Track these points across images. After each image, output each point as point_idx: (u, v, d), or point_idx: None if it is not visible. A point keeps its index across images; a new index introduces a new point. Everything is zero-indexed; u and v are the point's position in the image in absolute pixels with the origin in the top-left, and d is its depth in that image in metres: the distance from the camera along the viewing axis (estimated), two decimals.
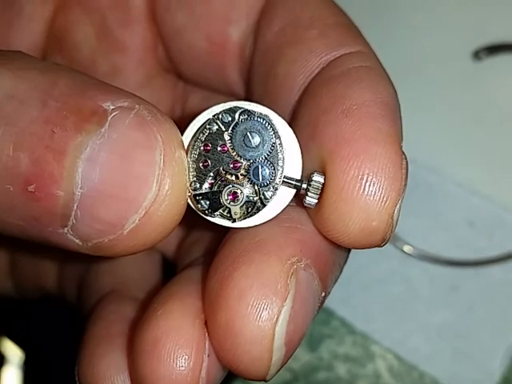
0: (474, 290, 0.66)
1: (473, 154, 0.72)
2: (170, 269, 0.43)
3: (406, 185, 0.28)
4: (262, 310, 0.28)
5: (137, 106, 0.27)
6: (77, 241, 0.27)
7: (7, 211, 0.27)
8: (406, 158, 0.29)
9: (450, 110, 0.75)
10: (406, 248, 0.68)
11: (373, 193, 0.28)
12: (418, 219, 0.69)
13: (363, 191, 0.28)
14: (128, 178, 0.26)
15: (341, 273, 0.33)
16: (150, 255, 0.44)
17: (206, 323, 0.30)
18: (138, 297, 0.39)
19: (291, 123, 0.31)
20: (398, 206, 0.28)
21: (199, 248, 0.40)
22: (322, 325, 0.66)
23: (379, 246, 0.30)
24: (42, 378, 0.72)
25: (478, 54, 0.76)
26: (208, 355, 0.29)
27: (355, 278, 0.67)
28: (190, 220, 0.42)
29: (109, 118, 0.26)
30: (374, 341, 0.65)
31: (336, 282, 0.33)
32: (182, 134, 0.29)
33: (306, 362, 0.65)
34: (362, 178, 0.28)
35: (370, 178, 0.28)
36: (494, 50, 0.76)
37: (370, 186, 0.28)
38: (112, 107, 0.26)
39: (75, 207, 0.26)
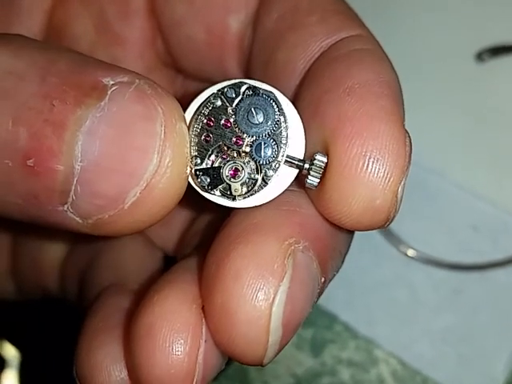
0: (478, 294, 0.66)
1: (476, 157, 0.72)
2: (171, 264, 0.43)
3: (409, 162, 0.28)
4: (258, 289, 0.27)
5: (137, 80, 0.27)
6: (77, 219, 0.27)
7: (6, 188, 0.26)
8: (409, 136, 0.29)
9: (453, 112, 0.75)
10: (410, 252, 0.67)
11: (376, 170, 0.27)
12: (422, 223, 0.69)
13: (366, 168, 0.27)
14: (128, 150, 0.26)
15: (343, 262, 0.33)
16: (151, 251, 0.44)
17: (202, 308, 0.29)
18: (138, 290, 0.39)
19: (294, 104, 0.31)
20: (402, 184, 0.28)
21: (198, 240, 0.40)
22: (325, 329, 0.65)
23: (383, 226, 0.29)
24: (41, 380, 0.71)
25: (481, 56, 0.76)
26: (205, 341, 0.29)
27: (358, 282, 0.66)
28: (191, 213, 0.42)
29: (108, 92, 0.26)
30: (377, 345, 0.64)
31: (337, 270, 0.32)
32: (185, 111, 0.29)
33: (309, 367, 0.64)
34: (365, 155, 0.27)
35: (374, 155, 0.27)
36: (497, 51, 0.76)
37: (373, 163, 0.27)
38: (112, 82, 0.26)
39: (75, 182, 0.26)
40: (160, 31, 0.41)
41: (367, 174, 0.27)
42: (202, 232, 0.40)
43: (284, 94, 0.29)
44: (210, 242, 0.31)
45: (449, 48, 0.78)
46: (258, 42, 0.36)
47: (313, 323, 0.65)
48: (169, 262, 0.44)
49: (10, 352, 0.74)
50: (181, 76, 0.44)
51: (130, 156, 0.26)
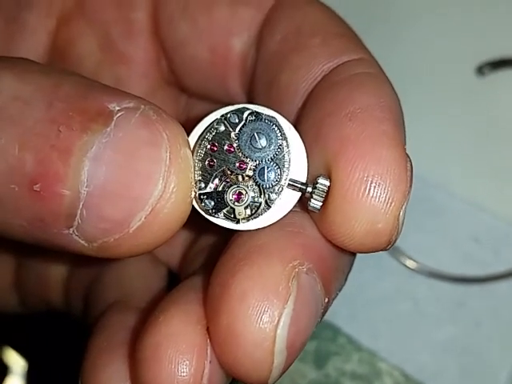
0: (481, 306, 0.66)
1: (478, 170, 0.72)
2: (175, 282, 0.43)
3: (411, 186, 0.28)
4: (263, 312, 0.27)
5: (142, 106, 0.27)
6: (82, 242, 0.27)
7: (12, 212, 0.27)
8: (410, 161, 0.29)
9: (453, 125, 0.75)
10: (412, 264, 0.67)
11: (378, 194, 0.28)
12: (424, 235, 0.69)
13: (368, 193, 0.28)
14: (134, 176, 0.26)
15: (345, 280, 0.33)
16: (155, 267, 0.44)
17: (207, 329, 0.29)
18: (143, 308, 0.39)
19: (296, 128, 0.31)
20: (403, 208, 0.28)
21: (202, 258, 0.40)
22: (329, 342, 0.65)
23: (385, 249, 0.29)
24: None
25: (481, 70, 0.76)
26: (210, 361, 0.29)
27: (361, 295, 0.66)
28: (195, 230, 0.42)
29: (114, 118, 0.26)
30: (380, 358, 0.64)
31: (341, 289, 0.33)
32: (188, 136, 0.29)
33: (312, 379, 0.64)
34: (367, 180, 0.28)
35: (376, 179, 0.28)
36: (498, 65, 0.76)
37: (375, 187, 0.28)
38: (118, 108, 0.27)
39: (81, 206, 0.26)
40: (164, 51, 0.41)
41: (369, 198, 0.28)
42: (206, 250, 0.41)
43: (286, 119, 0.30)
44: (214, 262, 0.31)
45: (449, 61, 0.78)
46: (261, 62, 0.37)
47: (316, 336, 0.65)
48: (173, 279, 0.44)
49: (16, 360, 0.74)
50: (185, 95, 0.44)
51: (136, 181, 0.26)
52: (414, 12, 0.82)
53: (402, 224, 0.28)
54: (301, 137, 0.30)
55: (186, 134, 0.28)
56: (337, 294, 0.32)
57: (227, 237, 0.32)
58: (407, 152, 0.29)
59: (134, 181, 0.26)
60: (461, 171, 0.72)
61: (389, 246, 0.29)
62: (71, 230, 0.27)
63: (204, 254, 0.40)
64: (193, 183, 0.28)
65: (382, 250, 0.30)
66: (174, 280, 0.43)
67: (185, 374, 0.29)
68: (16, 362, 0.74)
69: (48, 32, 0.43)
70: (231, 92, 0.40)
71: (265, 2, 0.37)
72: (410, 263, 0.67)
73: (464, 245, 0.68)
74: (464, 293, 0.66)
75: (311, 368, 0.64)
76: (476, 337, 0.64)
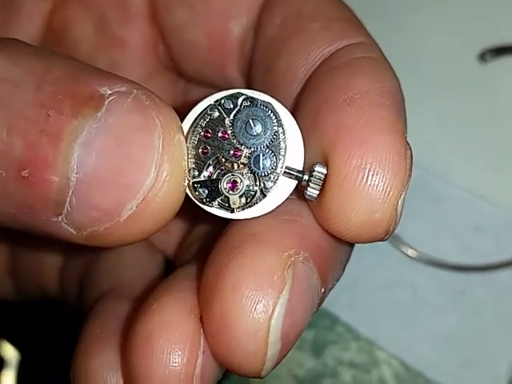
0: (481, 295, 0.66)
1: (479, 158, 0.72)
2: (171, 269, 0.43)
3: (410, 175, 0.28)
4: (257, 301, 0.27)
5: (135, 90, 0.26)
6: (71, 230, 0.26)
7: (0, 198, 0.26)
8: (410, 149, 0.28)
9: (455, 112, 0.74)
10: (412, 253, 0.67)
11: (376, 183, 0.27)
12: (424, 224, 0.69)
13: (366, 181, 0.27)
14: (125, 163, 0.25)
15: (343, 270, 0.33)
16: (151, 255, 0.43)
17: (200, 319, 0.29)
18: (137, 296, 0.38)
19: (293, 114, 0.31)
20: (401, 198, 0.27)
21: (197, 246, 0.40)
22: (327, 331, 0.65)
23: (382, 239, 0.29)
24: (40, 381, 0.71)
25: (483, 56, 0.76)
26: (203, 352, 0.29)
27: (360, 283, 0.66)
28: (191, 218, 0.42)
29: (106, 103, 0.26)
30: (379, 347, 0.64)
31: (338, 279, 0.32)
32: (182, 122, 0.29)
33: (310, 368, 0.64)
34: (364, 168, 0.27)
35: (373, 167, 0.27)
36: (500, 51, 0.76)
37: (372, 176, 0.27)
38: (109, 92, 0.26)
39: (70, 193, 0.25)
40: (161, 36, 0.41)
41: (366, 187, 0.27)
42: (201, 238, 0.40)
43: (283, 104, 0.29)
44: (209, 250, 0.30)
45: (451, 48, 0.78)
46: (260, 47, 0.36)
47: (314, 324, 0.65)
48: (170, 267, 0.43)
49: (9, 352, 0.74)
50: (182, 79, 0.44)
51: (127, 169, 0.25)
52: None
53: (401, 214, 0.28)
54: (297, 123, 0.29)
55: (179, 120, 0.28)
56: (334, 284, 0.32)
57: (222, 225, 0.31)
58: (408, 140, 0.29)
59: (125, 168, 0.25)
60: (462, 159, 0.72)
61: (386, 236, 0.28)
62: (60, 217, 0.26)
63: (199, 242, 0.40)
64: (186, 171, 0.28)
65: (379, 241, 0.29)
66: (171, 268, 0.43)
67: (177, 364, 0.28)
68: (11, 355, 0.74)
69: (43, 15, 0.42)
70: (229, 77, 0.39)
71: None
72: (409, 252, 0.67)
73: (464, 233, 0.68)
74: (464, 282, 0.66)
75: (309, 356, 0.64)
76: (476, 326, 0.64)
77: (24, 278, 0.48)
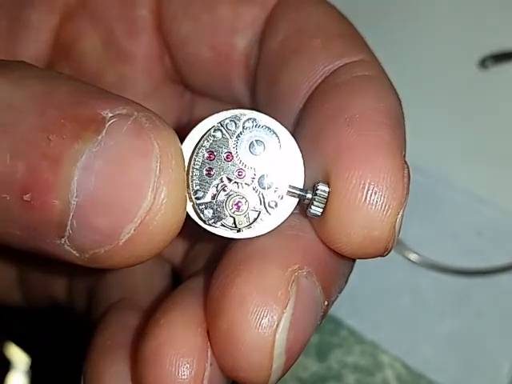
0: (482, 298, 0.66)
1: (480, 162, 0.72)
2: (179, 279, 0.44)
3: (407, 194, 0.28)
4: (263, 316, 0.28)
5: (135, 112, 0.26)
6: (74, 252, 0.27)
7: (5, 221, 0.26)
8: (408, 168, 0.29)
9: (456, 118, 0.75)
10: (414, 257, 0.67)
11: (374, 202, 0.28)
12: (426, 228, 0.69)
13: (365, 200, 0.28)
14: (123, 186, 0.26)
15: (346, 282, 0.33)
16: (159, 265, 0.44)
17: (208, 332, 0.30)
18: (146, 307, 0.39)
19: (295, 131, 0.31)
20: (399, 216, 0.28)
21: (203, 259, 0.40)
22: (331, 334, 0.66)
23: (382, 255, 0.30)
24: None
25: (484, 63, 0.76)
26: (210, 364, 0.29)
27: (363, 287, 0.67)
28: (196, 231, 0.42)
29: (106, 126, 0.26)
30: (382, 350, 0.65)
31: (341, 291, 0.33)
32: (185, 140, 0.29)
33: (314, 371, 0.65)
34: (363, 187, 0.28)
35: (372, 187, 0.28)
36: (501, 58, 0.76)
37: (371, 195, 0.28)
38: (110, 115, 0.26)
39: (71, 216, 0.26)
40: (167, 48, 0.41)
41: (366, 205, 0.28)
42: (208, 250, 0.41)
43: (283, 125, 0.30)
44: (215, 264, 0.31)
45: (452, 54, 0.78)
46: (264, 62, 0.37)
47: (318, 329, 0.65)
48: (177, 277, 0.44)
49: (19, 356, 0.74)
50: (189, 91, 0.44)
51: (125, 192, 0.26)
52: (417, 4, 0.82)
53: (399, 231, 0.29)
54: (298, 144, 0.30)
55: (179, 142, 0.28)
56: (337, 297, 0.32)
57: (227, 240, 0.32)
58: (408, 145, 0.30)
59: (122, 192, 0.26)
60: (463, 164, 0.72)
61: (386, 252, 0.29)
62: (63, 240, 0.26)
63: (206, 254, 0.40)
64: (185, 194, 0.28)
65: (378, 257, 0.30)
66: (178, 277, 0.44)
67: (185, 376, 0.29)
68: (19, 358, 0.74)
69: (51, 29, 0.42)
70: (235, 90, 0.40)
71: (269, 1, 0.37)
72: (412, 256, 0.67)
73: (466, 237, 0.69)
74: (466, 285, 0.66)
75: (313, 360, 0.65)
76: (478, 329, 0.65)
77: (33, 287, 0.48)
